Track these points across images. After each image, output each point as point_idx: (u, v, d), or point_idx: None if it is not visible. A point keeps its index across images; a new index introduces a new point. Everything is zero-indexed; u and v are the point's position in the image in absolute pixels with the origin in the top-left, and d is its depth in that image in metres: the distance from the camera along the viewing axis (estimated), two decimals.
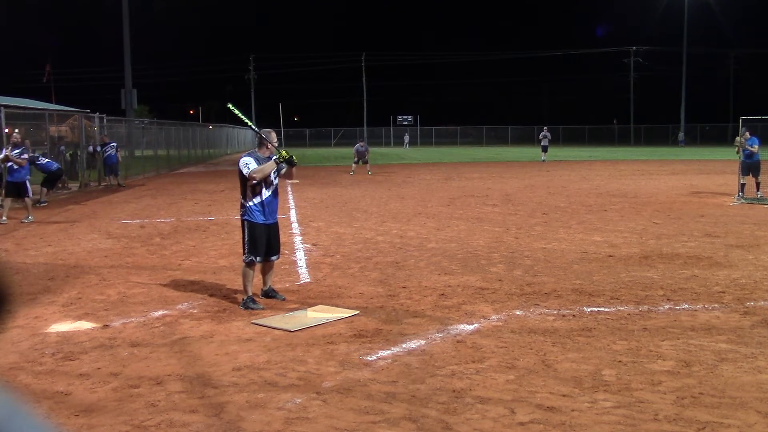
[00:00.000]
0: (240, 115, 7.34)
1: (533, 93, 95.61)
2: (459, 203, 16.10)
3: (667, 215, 13.43)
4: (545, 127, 38.29)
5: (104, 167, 22.60)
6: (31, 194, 14.40)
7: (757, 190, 16.04)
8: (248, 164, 6.71)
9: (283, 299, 7.02)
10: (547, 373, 4.80)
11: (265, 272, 7.10)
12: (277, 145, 7.00)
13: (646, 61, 78.81)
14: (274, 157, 6.75)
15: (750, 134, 16.08)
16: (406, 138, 72.81)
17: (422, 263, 8.84)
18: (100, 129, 24.20)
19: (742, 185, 15.95)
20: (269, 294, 7.09)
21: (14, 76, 68.15)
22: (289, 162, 6.82)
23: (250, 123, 7.35)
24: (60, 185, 20.72)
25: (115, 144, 22.50)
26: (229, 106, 7.48)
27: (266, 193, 6.82)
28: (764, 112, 17.06)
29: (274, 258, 7.06)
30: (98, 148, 22.66)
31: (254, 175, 6.67)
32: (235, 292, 7.32)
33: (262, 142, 6.95)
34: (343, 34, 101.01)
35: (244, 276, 6.85)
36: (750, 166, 16.04)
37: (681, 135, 69.21)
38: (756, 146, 15.90)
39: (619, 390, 4.45)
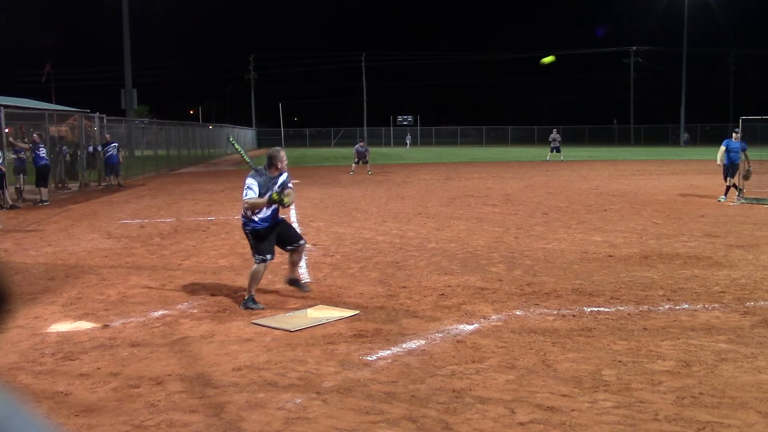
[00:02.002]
0: (238, 149, 7.54)
1: (533, 93, 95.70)
2: (459, 203, 16.10)
3: (667, 215, 13.43)
4: (554, 129, 38.30)
5: (105, 167, 22.58)
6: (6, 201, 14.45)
7: (726, 194, 15.94)
8: (251, 187, 6.67)
9: (308, 291, 7.14)
10: (547, 373, 4.80)
11: (293, 261, 7.15)
12: (285, 163, 6.91)
13: (646, 61, 78.85)
14: (268, 195, 6.68)
15: (739, 137, 15.98)
16: (408, 138, 72.79)
17: (422, 263, 8.84)
18: (100, 129, 24.20)
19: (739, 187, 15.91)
20: (293, 282, 7.14)
21: (14, 76, 68.20)
22: (281, 204, 6.77)
23: (246, 158, 7.29)
24: (60, 185, 20.76)
25: (116, 144, 22.51)
26: (230, 139, 7.56)
27: (267, 212, 6.82)
28: (764, 112, 17.06)
29: (299, 243, 7.07)
30: (99, 148, 22.64)
31: (245, 206, 6.72)
32: (236, 291, 7.32)
33: (271, 163, 6.84)
34: (343, 34, 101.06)
35: (254, 275, 6.81)
36: (735, 168, 15.99)
37: (685, 135, 69.42)
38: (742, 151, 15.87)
39: (619, 390, 4.45)
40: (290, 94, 79.21)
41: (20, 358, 5.30)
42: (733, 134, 15.96)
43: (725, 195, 15.92)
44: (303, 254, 7.38)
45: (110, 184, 22.35)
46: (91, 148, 22.72)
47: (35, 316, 6.49)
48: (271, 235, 6.86)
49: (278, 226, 6.96)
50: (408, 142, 72.28)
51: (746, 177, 15.92)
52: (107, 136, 22.99)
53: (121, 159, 22.69)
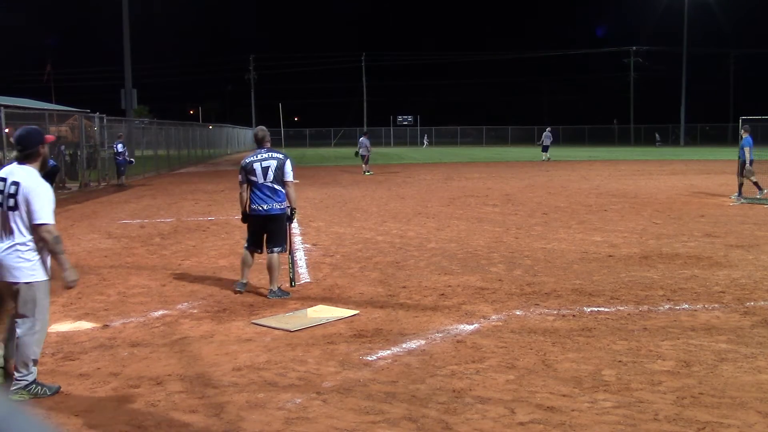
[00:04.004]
0: None
1: (533, 93, 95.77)
2: (459, 203, 16.10)
3: (667, 215, 13.43)
4: (548, 128, 38.25)
5: (117, 167, 22.61)
6: None
7: (760, 191, 16.00)
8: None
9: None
10: (547, 373, 4.80)
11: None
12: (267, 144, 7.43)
13: (646, 61, 78.87)
14: None
15: (747, 134, 16.07)
16: (426, 139, 73.20)
17: (422, 263, 8.84)
18: (100, 129, 24.17)
19: (756, 182, 15.96)
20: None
21: (14, 76, 68.23)
22: None
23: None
24: (60, 185, 20.75)
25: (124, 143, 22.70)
26: None
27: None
28: (764, 112, 17.07)
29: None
30: (118, 147, 22.52)
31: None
32: (236, 291, 7.32)
33: (261, 144, 7.40)
34: (343, 34, 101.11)
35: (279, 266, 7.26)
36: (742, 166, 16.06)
37: (657, 136, 70.59)
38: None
39: (619, 390, 4.45)
40: (290, 94, 79.35)
41: None
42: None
43: (760, 191, 15.96)
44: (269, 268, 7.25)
45: (120, 183, 22.50)
46: (120, 156, 22.46)
47: None
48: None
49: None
50: (426, 142, 72.65)
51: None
52: (120, 135, 23.10)
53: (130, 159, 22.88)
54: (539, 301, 6.79)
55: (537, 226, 12.14)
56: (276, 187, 7.12)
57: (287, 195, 7.19)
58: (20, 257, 4.43)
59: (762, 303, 6.66)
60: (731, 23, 80.00)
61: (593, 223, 12.37)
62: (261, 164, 7.13)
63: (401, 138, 77.46)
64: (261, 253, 7.29)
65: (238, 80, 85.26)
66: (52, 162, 17.55)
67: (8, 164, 4.76)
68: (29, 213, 4.46)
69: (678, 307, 6.52)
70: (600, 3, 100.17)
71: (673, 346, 5.33)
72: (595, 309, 6.48)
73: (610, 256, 9.13)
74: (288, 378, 4.77)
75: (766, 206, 14.67)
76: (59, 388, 4.59)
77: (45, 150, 4.71)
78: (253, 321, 6.24)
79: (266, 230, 7.22)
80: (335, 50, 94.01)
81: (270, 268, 7.14)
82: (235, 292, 7.23)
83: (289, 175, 7.21)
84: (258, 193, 7.13)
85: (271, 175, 7.10)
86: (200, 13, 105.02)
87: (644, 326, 5.89)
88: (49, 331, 6.00)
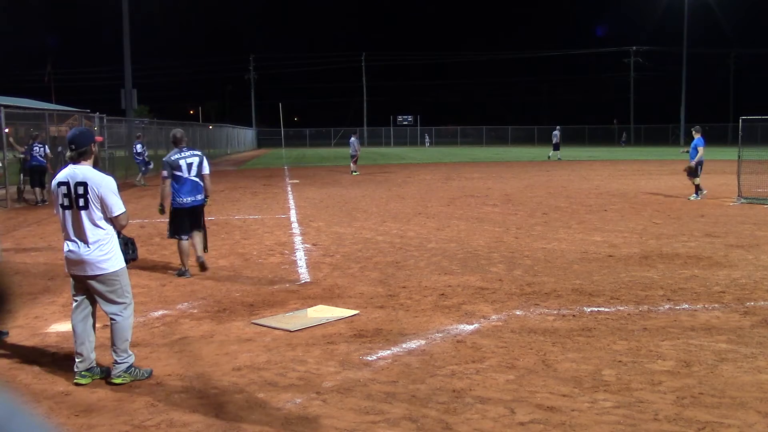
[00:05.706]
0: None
1: (533, 93, 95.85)
2: (459, 203, 16.10)
3: (667, 215, 13.43)
4: (558, 127, 38.54)
5: (139, 167, 22.82)
6: None
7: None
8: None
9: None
10: (547, 373, 4.80)
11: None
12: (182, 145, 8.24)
13: (646, 61, 78.92)
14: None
15: (699, 134, 16.32)
16: (427, 139, 74.04)
17: (422, 263, 8.84)
18: (101, 129, 24.18)
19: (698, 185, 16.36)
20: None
21: (14, 76, 68.27)
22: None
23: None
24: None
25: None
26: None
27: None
28: (764, 112, 17.07)
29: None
30: (137, 148, 22.56)
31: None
32: (236, 291, 7.32)
33: (179, 143, 8.21)
34: (343, 34, 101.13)
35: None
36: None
37: (624, 135, 71.88)
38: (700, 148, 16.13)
39: (619, 390, 4.45)
40: (290, 94, 79.43)
41: (20, 358, 5.30)
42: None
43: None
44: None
45: (144, 183, 22.62)
46: (139, 157, 22.49)
47: (35, 316, 6.49)
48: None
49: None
50: (427, 142, 73.43)
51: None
52: (139, 135, 23.24)
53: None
54: (539, 301, 6.79)
55: (537, 226, 12.14)
56: (198, 181, 8.06)
57: (205, 186, 8.24)
58: (102, 249, 4.80)
59: (762, 303, 6.66)
60: (731, 23, 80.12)
61: (593, 223, 12.37)
62: (186, 161, 8.07)
63: (401, 138, 77.49)
64: (188, 239, 8.15)
65: (238, 80, 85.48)
66: (36, 161, 17.44)
67: (63, 168, 4.98)
68: (106, 207, 4.78)
69: (678, 307, 6.52)
70: (600, 3, 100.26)
71: (673, 346, 5.33)
72: (595, 309, 6.48)
73: (610, 256, 9.13)
74: (288, 378, 4.77)
75: (766, 206, 14.67)
76: (152, 371, 4.91)
77: (96, 148, 5.00)
78: (253, 321, 6.24)
79: (192, 218, 8.10)
80: (335, 50, 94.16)
81: (197, 244, 8.25)
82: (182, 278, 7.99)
83: (207, 169, 8.32)
84: (184, 187, 8.01)
85: (194, 170, 8.06)
86: (200, 13, 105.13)
87: (644, 326, 5.89)
88: (48, 331, 6.02)
